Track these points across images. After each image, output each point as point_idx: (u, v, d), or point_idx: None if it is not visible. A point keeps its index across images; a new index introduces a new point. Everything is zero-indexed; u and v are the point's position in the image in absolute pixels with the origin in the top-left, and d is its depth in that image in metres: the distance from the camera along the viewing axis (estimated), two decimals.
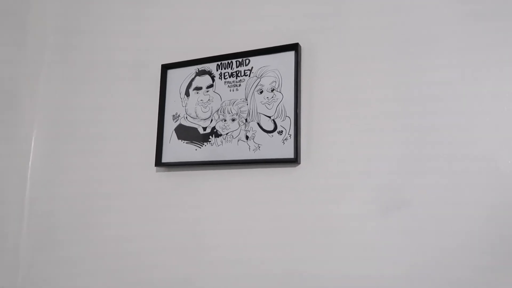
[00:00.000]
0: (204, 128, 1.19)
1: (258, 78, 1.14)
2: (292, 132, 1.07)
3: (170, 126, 1.24)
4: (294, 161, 1.05)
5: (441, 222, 0.91)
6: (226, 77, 1.19)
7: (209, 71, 1.21)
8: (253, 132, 1.12)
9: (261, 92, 1.13)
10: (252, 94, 1.14)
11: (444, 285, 0.89)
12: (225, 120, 1.16)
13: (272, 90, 1.12)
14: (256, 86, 1.14)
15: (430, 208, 0.93)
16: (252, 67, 1.16)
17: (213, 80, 1.20)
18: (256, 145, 1.11)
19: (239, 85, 1.16)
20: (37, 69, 1.52)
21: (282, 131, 1.09)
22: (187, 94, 1.23)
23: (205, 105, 1.20)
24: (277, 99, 1.11)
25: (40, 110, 1.50)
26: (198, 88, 1.22)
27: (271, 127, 1.10)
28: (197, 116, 1.21)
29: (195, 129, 1.20)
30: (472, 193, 0.90)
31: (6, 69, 1.43)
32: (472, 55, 0.94)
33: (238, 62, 1.18)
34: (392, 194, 0.96)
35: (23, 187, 1.46)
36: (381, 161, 0.99)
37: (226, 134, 1.16)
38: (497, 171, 0.89)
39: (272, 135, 1.10)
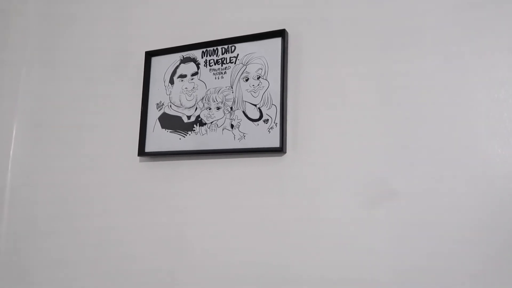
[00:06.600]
0: (189, 117, 1.16)
1: (244, 65, 1.11)
2: (278, 120, 1.04)
3: (154, 115, 1.21)
4: (280, 150, 1.02)
5: (430, 214, 0.89)
6: (211, 64, 1.15)
7: (194, 58, 1.18)
8: (238, 120, 1.09)
9: (247, 80, 1.10)
10: (238, 81, 1.11)
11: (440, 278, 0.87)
12: (210, 109, 1.13)
13: (258, 78, 1.09)
14: (242, 73, 1.11)
15: (419, 200, 0.90)
16: (238, 54, 1.12)
17: (198, 68, 1.17)
18: (241, 134, 1.08)
19: (225, 72, 1.13)
20: (19, 57, 1.48)
21: (268, 120, 1.06)
22: (172, 82, 1.20)
23: (190, 93, 1.17)
24: (263, 87, 1.08)
25: (22, 97, 1.46)
26: (182, 76, 1.19)
27: (257, 116, 1.07)
28: (181, 104, 1.18)
29: (179, 118, 1.17)
30: (464, 184, 0.88)
31: None
32: (461, 44, 0.92)
33: (223, 49, 1.14)
34: (380, 185, 0.94)
35: (4, 177, 1.42)
36: (369, 152, 0.96)
37: (211, 123, 1.12)
38: (488, 161, 0.87)
39: (258, 124, 1.07)
